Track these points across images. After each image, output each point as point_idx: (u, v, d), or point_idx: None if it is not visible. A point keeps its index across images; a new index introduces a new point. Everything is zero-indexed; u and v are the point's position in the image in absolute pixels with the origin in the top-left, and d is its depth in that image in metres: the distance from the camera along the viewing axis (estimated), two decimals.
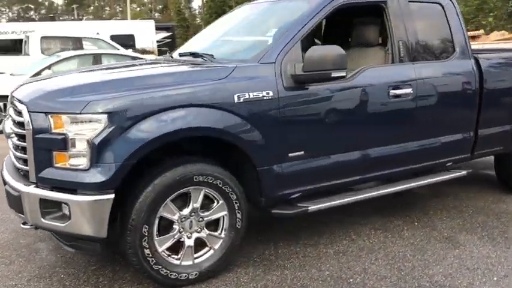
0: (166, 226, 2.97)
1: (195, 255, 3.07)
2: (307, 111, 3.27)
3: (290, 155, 3.25)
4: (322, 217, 4.03)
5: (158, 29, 23.10)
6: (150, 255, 2.87)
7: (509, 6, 18.15)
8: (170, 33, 25.96)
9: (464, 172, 4.19)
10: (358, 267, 3.30)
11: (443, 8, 3.99)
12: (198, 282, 3.06)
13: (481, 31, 13.00)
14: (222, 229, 3.13)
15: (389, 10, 3.72)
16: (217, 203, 3.07)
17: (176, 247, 3.03)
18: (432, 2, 3.99)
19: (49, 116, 2.75)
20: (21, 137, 2.92)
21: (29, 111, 2.80)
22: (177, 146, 3.13)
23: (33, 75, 7.93)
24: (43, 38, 12.18)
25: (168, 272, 2.94)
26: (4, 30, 16.87)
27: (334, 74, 3.10)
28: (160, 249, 2.92)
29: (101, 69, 3.52)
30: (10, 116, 3.15)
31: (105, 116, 2.67)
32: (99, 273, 3.24)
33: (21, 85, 3.32)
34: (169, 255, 2.98)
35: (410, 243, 3.67)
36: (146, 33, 18.47)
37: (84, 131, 2.70)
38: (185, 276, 3.00)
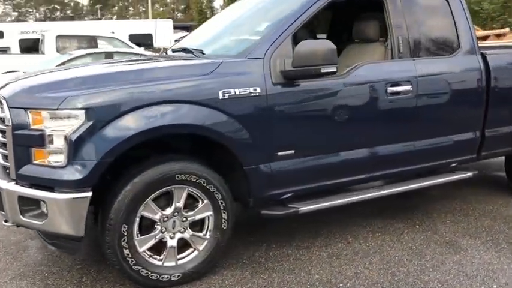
0: (148, 226, 2.89)
1: (179, 256, 2.98)
2: (298, 108, 3.14)
3: (279, 154, 3.13)
4: (321, 217, 3.91)
5: (177, 28, 23.20)
6: (130, 256, 2.79)
7: None
8: (189, 33, 26.04)
9: (469, 174, 3.99)
10: (350, 271, 3.16)
11: (447, 0, 3.81)
12: (181, 284, 2.97)
13: (507, 29, 12.59)
14: (207, 230, 3.03)
15: (388, 3, 3.57)
16: (202, 202, 2.97)
17: (160, 247, 2.94)
18: None
19: (28, 111, 2.69)
20: (3, 133, 2.87)
21: (8, 107, 2.76)
22: (165, 144, 3.06)
23: None
24: (58, 36, 12.32)
25: (149, 273, 2.86)
26: (26, 30, 17.15)
27: (324, 70, 2.97)
28: (141, 250, 2.84)
29: (88, 66, 3.46)
30: None
31: (83, 112, 2.60)
32: (83, 272, 3.18)
33: (9, 82, 3.28)
34: (151, 256, 2.90)
35: (408, 247, 3.51)
36: (164, 32, 18.55)
37: (62, 127, 2.63)
38: (167, 277, 2.91)
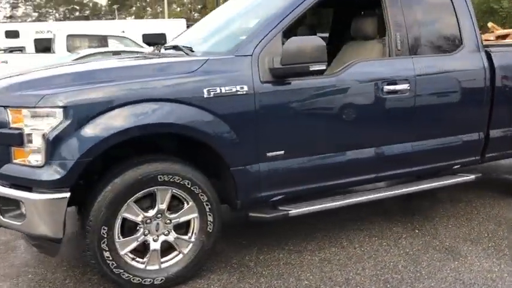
0: (131, 228, 2.82)
1: (163, 260, 2.89)
2: (288, 108, 3.03)
3: (268, 154, 3.03)
4: (317, 220, 3.82)
5: None
6: (111, 258, 2.71)
7: None
8: None
9: (472, 176, 3.83)
10: (341, 277, 3.04)
11: None
12: None
13: None
14: (192, 232, 2.94)
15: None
16: (187, 204, 2.89)
17: (143, 250, 2.87)
18: None
19: (7, 110, 2.63)
20: None
21: None
22: (152, 143, 2.99)
23: None
24: (69, 36, 12.38)
25: (131, 276, 2.78)
26: (41, 29, 17.31)
27: (313, 68, 2.85)
28: (122, 252, 2.76)
29: (73, 64, 3.39)
30: None
31: (61, 110, 2.53)
32: (68, 274, 3.12)
33: None
34: (133, 259, 2.82)
35: (405, 252, 3.37)
36: (177, 32, 18.52)
37: (41, 125, 2.56)
38: (150, 281, 2.83)
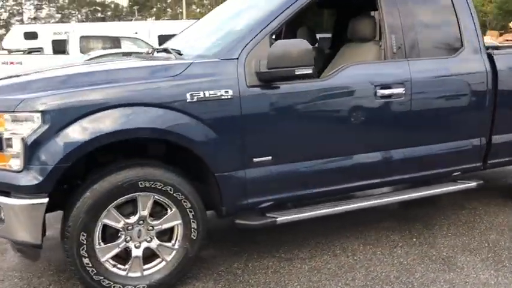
0: (113, 234, 2.77)
1: (145, 267, 2.84)
2: (275, 112, 2.96)
3: (255, 160, 2.95)
4: (312, 227, 3.73)
5: None
6: (90, 265, 2.67)
7: None
8: None
9: (473, 183, 3.69)
10: (329, 287, 2.94)
11: None
12: None
13: None
14: (175, 239, 2.88)
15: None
16: (170, 211, 2.83)
17: (127, 257, 2.82)
18: None
19: None
20: None
21: None
22: (140, 148, 2.95)
23: None
24: (82, 37, 12.51)
25: (111, 283, 2.73)
26: (58, 31, 17.52)
27: (299, 72, 2.78)
28: (103, 259, 2.72)
29: (58, 68, 3.36)
30: None
31: (39, 114, 2.51)
32: (53, 279, 3.10)
33: None
34: (114, 265, 2.78)
35: (399, 262, 3.26)
36: None
37: (20, 130, 2.54)
38: None
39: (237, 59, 2.87)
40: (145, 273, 2.84)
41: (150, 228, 2.81)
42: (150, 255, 2.87)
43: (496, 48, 4.69)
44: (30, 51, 16.21)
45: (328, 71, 3.40)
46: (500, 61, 3.62)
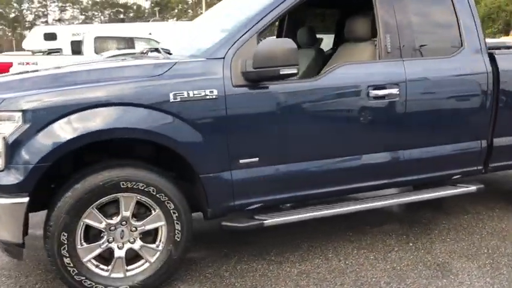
0: (96, 234, 2.76)
1: (129, 268, 2.81)
2: (262, 113, 2.90)
3: (241, 161, 2.90)
4: (308, 229, 3.69)
5: None
6: (71, 265, 2.65)
7: None
8: None
9: (473, 187, 3.57)
10: None
11: None
12: None
13: None
14: (159, 241, 2.85)
15: None
16: (154, 212, 2.80)
17: (110, 257, 2.80)
18: None
19: None
20: None
21: None
22: (127, 148, 2.93)
23: None
24: (96, 38, 12.63)
25: (93, 283, 2.72)
26: (77, 32, 17.72)
27: (283, 71, 2.71)
28: (84, 259, 2.70)
29: (52, 68, 3.36)
30: None
31: (19, 114, 2.50)
32: (40, 278, 3.10)
33: None
34: (97, 266, 2.76)
35: (392, 267, 3.17)
36: None
37: (1, 129, 2.53)
38: None
39: (223, 58, 2.83)
40: (129, 274, 2.81)
41: (134, 229, 2.79)
42: (134, 256, 2.84)
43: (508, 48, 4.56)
44: (49, 52, 16.44)
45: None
46: (502, 61, 3.49)
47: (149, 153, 3.03)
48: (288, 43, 2.74)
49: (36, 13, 76.93)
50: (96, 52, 12.11)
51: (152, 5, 72.99)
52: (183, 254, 2.89)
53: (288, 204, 3.46)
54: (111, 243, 2.76)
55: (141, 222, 2.79)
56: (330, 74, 3.04)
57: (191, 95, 2.73)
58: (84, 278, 2.69)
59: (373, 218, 3.97)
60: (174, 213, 2.80)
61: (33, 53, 16.70)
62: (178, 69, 2.78)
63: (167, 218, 2.81)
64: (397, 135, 3.25)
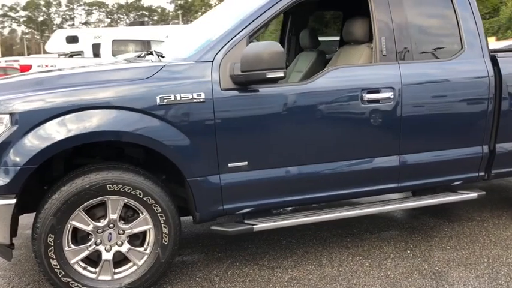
0: (84, 237, 2.77)
1: (117, 270, 2.82)
2: (250, 116, 2.88)
3: (230, 165, 2.88)
4: (304, 234, 3.63)
5: None
6: (58, 267, 2.67)
7: None
8: None
9: (474, 194, 3.47)
10: None
11: None
12: None
13: None
14: (147, 244, 2.85)
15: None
16: (142, 215, 2.80)
17: (99, 260, 2.81)
18: None
19: None
20: None
21: None
22: (118, 151, 2.95)
23: None
24: (114, 41, 12.81)
25: (80, 285, 2.73)
26: (98, 34, 17.99)
27: (270, 75, 2.68)
28: (72, 261, 2.71)
29: (47, 71, 3.41)
30: None
31: (7, 116, 2.54)
32: (33, 279, 3.13)
33: None
34: (84, 268, 2.77)
35: (386, 275, 3.09)
36: None
37: None
38: None
39: (212, 61, 2.82)
40: (116, 276, 2.82)
41: (121, 232, 2.79)
42: (122, 259, 2.85)
43: None
44: (72, 55, 16.76)
45: None
46: (505, 65, 3.39)
47: (141, 156, 3.04)
48: (274, 46, 2.70)
49: (63, 16, 78.62)
50: (113, 55, 12.28)
51: (176, 8, 73.71)
52: (171, 257, 2.89)
53: (289, 208, 3.45)
54: (98, 245, 2.77)
55: (129, 225, 2.79)
56: (321, 78, 2.99)
57: (178, 98, 2.72)
58: (71, 279, 2.71)
59: (373, 225, 3.91)
60: (161, 216, 2.79)
61: (59, 55, 17.07)
62: (165, 73, 2.78)
63: (154, 222, 2.80)
64: (392, 140, 3.18)
